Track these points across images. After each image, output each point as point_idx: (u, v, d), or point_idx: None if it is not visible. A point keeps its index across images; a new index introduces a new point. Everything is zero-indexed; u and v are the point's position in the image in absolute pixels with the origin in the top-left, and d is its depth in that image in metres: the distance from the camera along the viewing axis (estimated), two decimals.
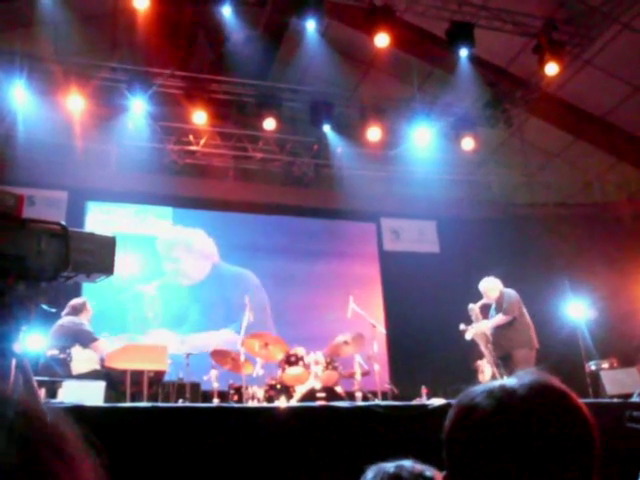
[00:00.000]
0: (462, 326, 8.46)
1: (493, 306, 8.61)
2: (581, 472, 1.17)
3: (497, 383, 1.25)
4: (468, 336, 8.48)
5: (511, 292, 8.51)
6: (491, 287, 8.57)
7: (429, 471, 1.51)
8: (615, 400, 7.38)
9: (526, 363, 7.99)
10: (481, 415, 1.20)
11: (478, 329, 8.38)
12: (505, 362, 8.21)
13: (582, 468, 1.17)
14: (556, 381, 1.25)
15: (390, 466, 1.59)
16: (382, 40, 10.07)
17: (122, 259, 10.92)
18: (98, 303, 9.83)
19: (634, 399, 7.17)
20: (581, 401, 1.23)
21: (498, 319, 8.34)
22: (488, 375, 8.73)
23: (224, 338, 11.03)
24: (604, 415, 5.98)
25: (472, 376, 9.60)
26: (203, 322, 11.55)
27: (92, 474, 0.87)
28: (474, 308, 8.52)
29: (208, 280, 12.00)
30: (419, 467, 1.53)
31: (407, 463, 1.63)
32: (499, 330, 8.33)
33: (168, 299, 11.57)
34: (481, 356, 9.10)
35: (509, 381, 1.24)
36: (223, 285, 11.86)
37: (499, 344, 8.30)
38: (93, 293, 9.57)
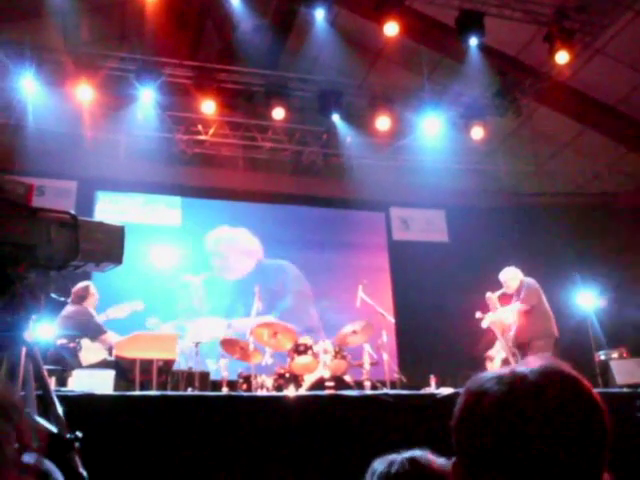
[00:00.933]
0: (478, 314, 8.48)
1: (515, 296, 8.62)
2: (592, 458, 1.16)
3: (507, 369, 1.24)
4: (484, 324, 8.50)
5: (530, 281, 8.51)
6: (511, 277, 8.58)
7: (439, 461, 1.50)
8: (625, 389, 7.37)
9: (544, 352, 7.99)
10: (491, 401, 1.19)
11: (495, 317, 8.40)
12: (522, 351, 8.23)
13: (593, 455, 1.16)
14: (567, 367, 1.24)
15: (397, 460, 1.58)
16: (391, 29, 10.03)
17: (169, 250, 11.31)
18: (146, 290, 10.64)
19: None
20: (591, 386, 1.23)
21: (516, 307, 8.34)
22: (497, 364, 8.76)
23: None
24: (614, 404, 5.99)
25: (481, 365, 9.61)
26: (247, 312, 11.71)
27: (31, 441, 0.87)
28: (492, 297, 8.53)
29: (251, 275, 12.29)
30: (430, 458, 1.52)
31: (418, 453, 1.62)
32: (519, 319, 8.33)
33: (215, 291, 12.08)
34: (491, 345, 9.12)
35: (520, 367, 1.23)
36: (265, 278, 12.08)
37: (517, 333, 8.30)
38: (142, 281, 10.67)
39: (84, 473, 3.30)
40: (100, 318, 7.69)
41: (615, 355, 9.39)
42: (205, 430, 5.03)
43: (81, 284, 7.66)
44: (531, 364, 1.23)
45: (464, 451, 1.22)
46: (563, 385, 1.19)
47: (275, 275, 12.31)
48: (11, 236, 3.41)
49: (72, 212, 4.14)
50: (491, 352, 9.11)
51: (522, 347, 8.27)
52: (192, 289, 11.90)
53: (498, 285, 10.79)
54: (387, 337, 8.69)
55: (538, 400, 1.16)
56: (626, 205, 12.87)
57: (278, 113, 11.42)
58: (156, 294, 11.05)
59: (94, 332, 7.22)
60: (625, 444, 5.20)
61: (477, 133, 12.23)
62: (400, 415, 5.49)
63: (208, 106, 11.19)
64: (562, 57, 10.48)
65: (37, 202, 3.47)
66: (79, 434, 3.36)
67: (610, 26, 10.60)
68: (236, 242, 12.47)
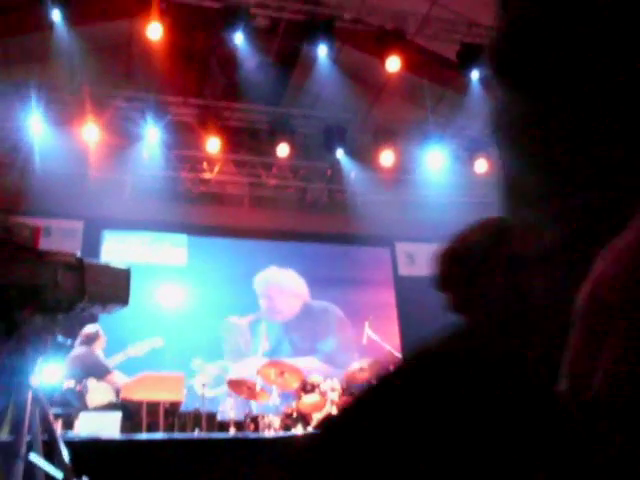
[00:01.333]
0: None
1: None
2: None
3: None
4: None
5: None
6: None
7: None
8: None
9: None
10: None
11: None
12: None
13: None
14: None
15: None
16: (393, 64, 10.11)
17: (174, 289, 11.36)
18: (191, 331, 10.89)
19: None
20: None
21: None
22: None
23: (307, 363, 11.36)
24: None
25: None
26: (293, 352, 12.03)
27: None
28: None
29: (299, 316, 12.41)
30: None
31: None
32: None
33: (262, 332, 11.97)
34: None
35: None
36: (312, 320, 12.39)
37: None
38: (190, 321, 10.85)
39: None
40: (119, 357, 7.71)
41: None
42: (212, 471, 4.96)
43: (90, 327, 7.66)
44: None
45: None
46: None
47: (320, 317, 12.45)
48: (17, 279, 3.41)
49: (78, 254, 4.12)
50: None
51: None
52: (238, 330, 11.97)
53: None
54: None
55: None
56: None
57: (282, 150, 11.47)
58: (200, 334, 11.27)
59: (100, 372, 7.18)
60: None
61: (481, 166, 12.24)
62: None
63: (213, 144, 11.24)
64: None
65: (43, 242, 3.46)
66: (85, 479, 3.32)
67: None
68: (283, 284, 12.60)
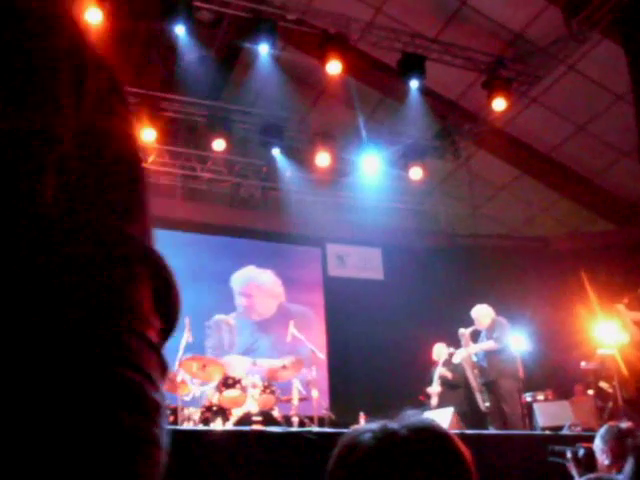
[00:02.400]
0: (451, 349, 8.65)
1: (483, 333, 8.80)
2: None
3: (380, 423, 1.28)
4: (456, 359, 8.67)
5: (503, 320, 8.74)
6: (484, 314, 8.81)
7: None
8: (546, 432, 7.51)
9: (511, 392, 8.32)
10: (362, 454, 1.22)
11: (466, 353, 8.58)
12: (489, 389, 8.40)
13: None
14: (437, 424, 1.29)
15: None
16: (334, 67, 10.19)
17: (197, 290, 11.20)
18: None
19: (564, 431, 7.30)
20: (460, 442, 1.26)
21: (488, 345, 8.52)
22: (435, 402, 8.92)
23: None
24: (526, 448, 6.08)
25: (413, 404, 9.64)
26: (271, 352, 11.87)
27: None
28: (465, 333, 8.73)
29: (275, 317, 12.42)
30: None
31: None
32: (487, 357, 8.51)
33: (240, 330, 12.20)
34: (429, 382, 9.28)
35: (392, 422, 1.27)
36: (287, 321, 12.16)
37: (486, 371, 8.46)
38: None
39: None
40: None
41: (541, 397, 9.55)
42: None
43: None
44: (403, 420, 1.27)
45: None
46: (431, 441, 1.23)
47: (297, 319, 12.23)
48: None
49: None
50: (430, 389, 9.24)
51: (490, 385, 8.46)
52: (224, 328, 11.99)
53: (428, 323, 10.94)
54: (319, 373, 8.69)
55: (406, 455, 1.19)
56: (556, 249, 13.21)
57: (219, 144, 11.43)
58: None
59: None
60: None
61: (416, 173, 12.43)
62: (323, 453, 5.46)
63: (148, 134, 11.13)
64: (499, 104, 10.81)
65: None
66: None
67: (544, 77, 10.99)
68: (261, 283, 12.66)
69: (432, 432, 1.25)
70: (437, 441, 1.24)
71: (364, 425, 1.30)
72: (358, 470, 1.21)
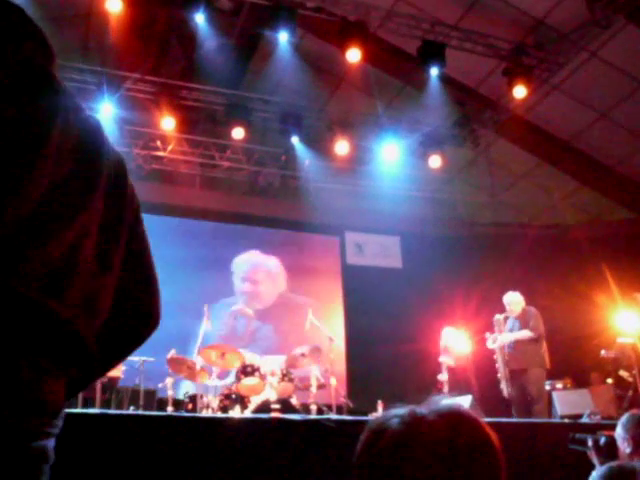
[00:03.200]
0: (487, 334, 8.64)
1: (511, 320, 8.82)
2: None
3: (407, 408, 1.27)
4: (490, 344, 8.66)
5: (534, 310, 8.76)
6: (516, 301, 8.85)
7: None
8: (565, 420, 7.48)
9: (538, 382, 8.44)
10: (389, 439, 1.22)
11: (503, 340, 8.59)
12: (517, 377, 8.40)
13: None
14: (466, 409, 1.28)
15: None
16: (354, 55, 10.13)
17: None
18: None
19: (583, 420, 7.27)
20: (489, 427, 1.26)
21: (523, 334, 8.53)
22: (445, 390, 8.92)
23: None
24: (550, 436, 6.07)
25: (431, 391, 9.63)
26: (274, 342, 11.90)
27: None
28: (500, 318, 8.71)
29: (275, 306, 12.41)
30: None
31: None
32: (518, 345, 8.52)
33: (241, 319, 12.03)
34: (440, 370, 9.27)
35: (420, 408, 1.27)
36: (288, 311, 12.24)
37: (516, 359, 8.46)
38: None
39: None
40: None
41: (560, 386, 9.52)
42: (144, 450, 4.97)
43: None
44: (432, 405, 1.27)
45: None
46: (460, 427, 1.22)
47: (297, 310, 12.04)
48: None
49: None
50: (440, 377, 9.22)
51: (518, 373, 8.48)
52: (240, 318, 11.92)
53: (449, 312, 10.92)
54: (337, 362, 8.72)
55: (434, 441, 1.19)
56: (576, 238, 13.12)
57: (238, 133, 11.44)
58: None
59: None
60: (558, 475, 5.29)
61: (435, 162, 12.38)
62: (341, 440, 5.49)
63: (168, 122, 11.17)
64: (520, 91, 10.71)
65: None
66: None
67: (566, 64, 10.87)
68: (270, 269, 12.61)
69: (461, 417, 1.25)
70: (466, 426, 1.23)
71: (391, 410, 1.30)
72: (386, 455, 1.21)
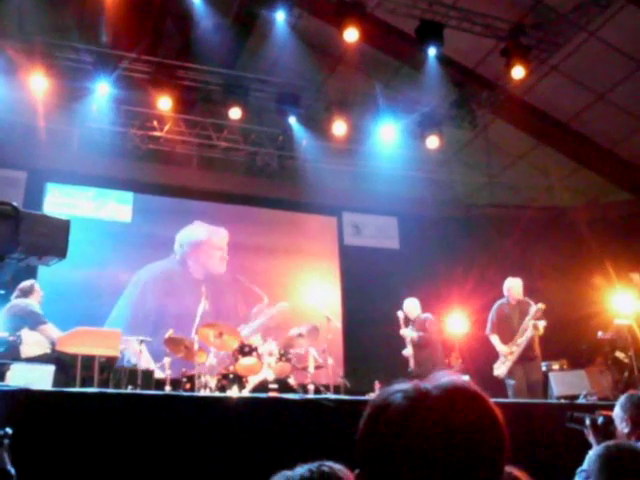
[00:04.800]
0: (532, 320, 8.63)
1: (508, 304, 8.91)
2: (490, 470, 1.19)
3: (411, 384, 1.26)
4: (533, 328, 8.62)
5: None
6: (515, 286, 8.90)
7: (342, 472, 1.50)
8: (562, 401, 7.52)
9: (539, 369, 8.76)
10: (393, 414, 1.21)
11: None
12: (524, 362, 8.52)
13: (491, 466, 1.19)
14: (470, 383, 1.27)
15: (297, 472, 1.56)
16: (351, 35, 10.08)
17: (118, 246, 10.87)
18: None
19: (580, 401, 7.31)
20: (493, 403, 1.25)
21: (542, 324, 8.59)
22: (412, 364, 8.96)
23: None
24: (548, 416, 6.10)
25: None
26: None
27: None
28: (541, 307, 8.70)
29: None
30: (336, 468, 1.52)
31: (326, 463, 1.62)
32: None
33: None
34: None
35: (424, 383, 1.26)
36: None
37: (530, 347, 8.51)
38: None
39: (12, 470, 3.24)
40: None
41: (556, 367, 9.56)
42: (143, 429, 4.99)
43: (27, 282, 7.57)
44: (436, 380, 1.26)
45: (367, 463, 1.24)
46: (464, 401, 1.22)
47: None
48: None
49: (14, 204, 4.07)
50: (405, 352, 9.22)
51: (530, 359, 8.60)
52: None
53: (444, 292, 10.95)
54: (334, 342, 8.74)
55: (439, 414, 1.18)
56: (573, 220, 13.13)
57: (235, 113, 11.38)
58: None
59: (33, 321, 7.09)
60: (554, 454, 5.32)
61: (433, 142, 12.34)
62: (340, 420, 5.51)
63: (164, 102, 11.10)
64: (518, 72, 10.67)
65: None
66: (9, 431, 3.30)
67: (565, 45, 10.83)
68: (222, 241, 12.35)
69: (465, 392, 1.24)
70: (470, 402, 1.22)
71: (394, 386, 1.29)
72: (390, 430, 1.20)
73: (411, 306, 9.42)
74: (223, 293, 11.79)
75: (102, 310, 11.12)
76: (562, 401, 7.54)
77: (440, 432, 1.16)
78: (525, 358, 8.57)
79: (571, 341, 10.69)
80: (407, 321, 9.29)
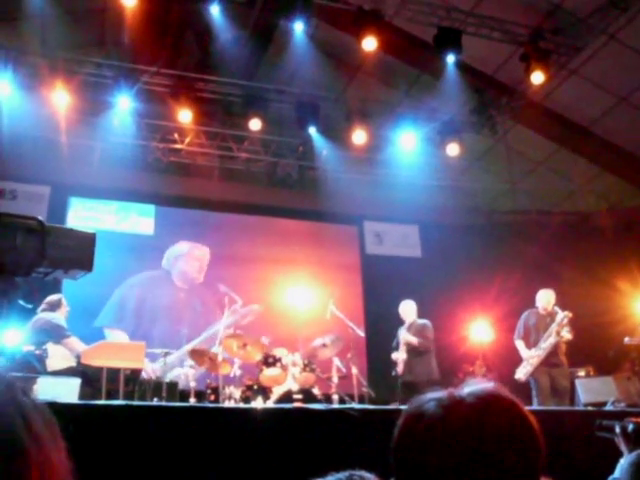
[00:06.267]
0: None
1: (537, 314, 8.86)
2: (526, 478, 1.18)
3: (446, 391, 1.26)
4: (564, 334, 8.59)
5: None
6: (547, 297, 8.82)
7: None
8: (589, 408, 7.43)
9: (567, 376, 8.67)
10: (428, 423, 1.21)
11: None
12: (549, 367, 8.44)
13: (527, 475, 1.19)
14: (504, 391, 1.27)
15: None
16: (370, 44, 10.09)
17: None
18: None
19: (608, 408, 7.22)
20: (528, 410, 1.25)
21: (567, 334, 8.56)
22: (400, 369, 8.83)
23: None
24: (576, 424, 6.03)
25: (451, 381, 9.58)
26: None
27: (61, 459, 0.89)
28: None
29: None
30: (366, 477, 1.51)
31: (357, 473, 1.62)
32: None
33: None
34: (395, 347, 9.15)
35: (458, 390, 1.26)
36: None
37: (555, 354, 8.46)
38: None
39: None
40: None
41: (582, 373, 9.47)
42: (169, 441, 5.00)
43: (55, 295, 7.63)
44: (469, 388, 1.26)
45: (402, 472, 1.24)
46: (498, 408, 1.21)
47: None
48: None
49: (40, 218, 4.09)
50: (395, 355, 9.09)
51: (555, 365, 8.52)
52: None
53: (467, 300, 10.87)
54: (357, 351, 8.72)
55: (474, 422, 1.18)
56: (597, 225, 13.02)
57: (255, 124, 11.43)
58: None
59: (57, 335, 7.14)
60: (584, 462, 5.25)
61: (453, 150, 12.30)
62: (365, 429, 5.49)
63: (185, 115, 11.18)
64: (537, 77, 10.62)
65: (9, 206, 3.45)
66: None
67: (585, 49, 10.76)
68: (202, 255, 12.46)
69: (500, 400, 1.23)
70: (505, 409, 1.22)
71: (426, 395, 1.28)
72: (425, 438, 1.20)
73: (408, 309, 9.31)
74: (205, 300, 11.96)
75: (175, 331, 11.29)
76: (589, 408, 7.46)
77: (475, 440, 1.16)
78: (549, 364, 8.50)
79: (597, 347, 10.58)
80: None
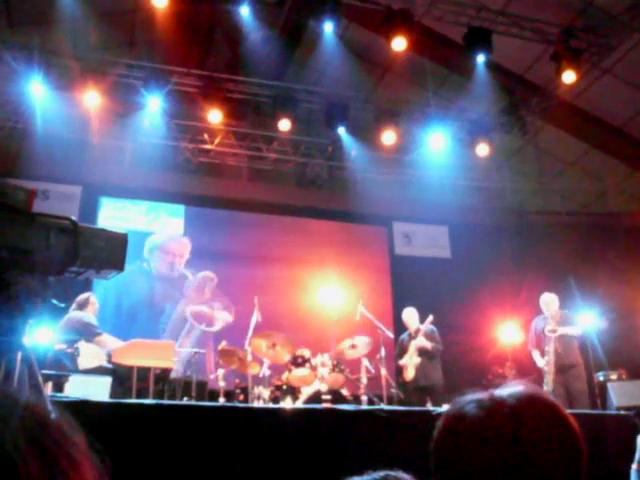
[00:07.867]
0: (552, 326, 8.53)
1: (545, 319, 8.69)
2: None
3: (487, 393, 1.26)
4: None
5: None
6: (551, 301, 8.72)
7: None
8: (622, 412, 7.34)
9: (581, 377, 8.38)
10: (469, 424, 1.20)
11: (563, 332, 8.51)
12: (563, 372, 8.27)
13: (568, 477, 1.18)
14: (544, 393, 1.26)
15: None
16: (399, 44, 10.06)
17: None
18: None
19: None
20: (569, 414, 1.24)
21: (574, 329, 8.42)
22: (411, 374, 8.81)
23: None
24: (612, 427, 5.96)
25: (480, 382, 9.54)
26: None
27: (95, 475, 0.88)
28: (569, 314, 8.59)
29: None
30: (397, 477, 1.50)
31: (392, 473, 1.61)
32: (568, 341, 8.41)
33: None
34: (400, 354, 9.15)
35: (499, 391, 1.25)
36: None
37: (566, 354, 8.35)
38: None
39: None
40: None
41: (614, 377, 9.35)
42: (199, 440, 5.01)
43: (83, 294, 7.70)
44: (510, 389, 1.25)
45: (442, 473, 1.23)
46: (539, 410, 1.21)
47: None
48: (9, 240, 3.42)
49: (73, 218, 4.13)
50: (403, 361, 9.08)
51: (565, 368, 8.41)
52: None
53: (497, 301, 10.78)
54: (386, 352, 8.67)
55: (515, 424, 1.17)
56: (630, 225, 12.86)
57: (284, 124, 11.45)
58: None
59: (89, 333, 7.21)
60: (621, 465, 5.19)
61: (482, 150, 12.23)
62: (394, 431, 5.47)
63: (214, 115, 11.23)
64: (569, 77, 10.51)
65: (41, 206, 3.47)
66: None
67: (617, 47, 10.63)
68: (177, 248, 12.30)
69: (541, 402, 1.23)
70: (546, 411, 1.21)
71: (466, 396, 1.28)
72: (467, 440, 1.19)
73: (411, 317, 9.39)
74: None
75: (155, 322, 11.30)
76: (622, 412, 7.36)
77: (516, 441, 1.15)
78: (563, 367, 8.37)
79: (630, 350, 10.45)
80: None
